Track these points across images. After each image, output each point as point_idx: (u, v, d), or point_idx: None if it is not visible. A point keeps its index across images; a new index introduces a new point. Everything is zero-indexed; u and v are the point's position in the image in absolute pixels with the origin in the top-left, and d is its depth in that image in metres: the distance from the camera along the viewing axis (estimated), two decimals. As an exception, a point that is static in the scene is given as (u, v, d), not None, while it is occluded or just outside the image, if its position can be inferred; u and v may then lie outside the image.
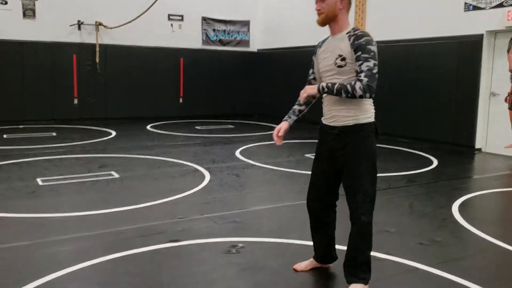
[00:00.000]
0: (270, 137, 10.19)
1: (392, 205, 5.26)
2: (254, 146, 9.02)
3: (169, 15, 13.25)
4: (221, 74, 14.02)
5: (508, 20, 8.09)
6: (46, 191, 5.52)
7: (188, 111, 13.56)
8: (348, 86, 2.86)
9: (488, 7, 8.47)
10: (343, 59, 2.96)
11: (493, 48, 8.62)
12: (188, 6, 13.43)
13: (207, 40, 13.89)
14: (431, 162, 7.66)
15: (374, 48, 2.91)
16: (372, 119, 3.06)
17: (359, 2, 11.02)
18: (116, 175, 6.35)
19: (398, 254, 3.79)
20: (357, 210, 3.01)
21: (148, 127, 11.47)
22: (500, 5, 8.26)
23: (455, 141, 9.08)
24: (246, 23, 14.46)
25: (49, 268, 3.41)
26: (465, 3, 8.83)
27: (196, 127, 11.55)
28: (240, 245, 3.93)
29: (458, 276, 3.41)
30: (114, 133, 10.22)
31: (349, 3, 3.08)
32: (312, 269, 3.46)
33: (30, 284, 3.17)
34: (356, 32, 2.97)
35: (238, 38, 14.40)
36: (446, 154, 8.43)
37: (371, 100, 3.07)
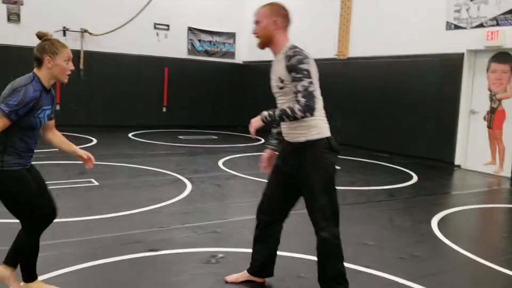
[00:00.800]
0: (253, 148, 10.22)
1: (372, 219, 5.30)
2: (237, 157, 9.02)
3: (155, 24, 13.25)
4: (206, 84, 14.03)
5: (488, 40, 8.28)
6: (24, 197, 5.42)
7: (171, 120, 13.52)
8: (288, 110, 2.90)
9: (469, 27, 8.66)
10: (282, 81, 3.01)
11: (473, 67, 8.81)
12: (174, 16, 13.46)
13: (192, 50, 13.91)
14: (411, 177, 7.75)
15: (306, 66, 2.92)
16: (324, 135, 3.04)
17: (344, 18, 11.18)
18: (96, 183, 6.28)
19: (377, 268, 3.82)
20: (316, 226, 3.00)
21: (130, 135, 11.40)
22: (481, 25, 8.46)
23: (435, 157, 9.21)
24: (232, 35, 14.53)
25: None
26: (447, 22, 9.03)
27: (179, 137, 11.52)
28: (220, 255, 3.91)
29: (435, 290, 3.45)
30: (95, 141, 10.13)
31: (286, 22, 3.12)
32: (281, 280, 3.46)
33: (4, 290, 3.10)
34: (289, 52, 2.99)
35: (224, 50, 14.46)
36: (426, 170, 8.54)
37: (321, 116, 3.09)
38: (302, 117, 2.88)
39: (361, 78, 10.74)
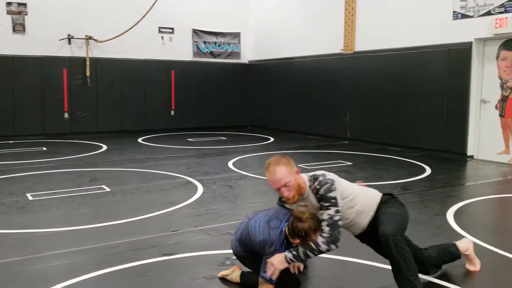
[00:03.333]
0: (262, 148, 10.17)
1: (387, 214, 5.22)
2: (247, 157, 8.98)
3: (159, 27, 13.25)
4: (213, 86, 14.02)
5: (496, 27, 8.16)
6: (36, 206, 5.43)
7: (179, 123, 13.52)
8: (313, 245, 2.94)
9: (476, 15, 8.55)
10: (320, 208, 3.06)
11: (482, 55, 8.68)
12: (178, 19, 13.45)
13: (198, 52, 13.90)
14: (424, 170, 7.66)
15: (333, 193, 2.99)
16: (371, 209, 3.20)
17: (349, 12, 11.09)
18: (108, 189, 6.27)
19: (394, 263, 3.75)
20: None
21: (140, 140, 11.40)
22: (488, 13, 8.34)
23: (447, 148, 9.10)
24: (236, 35, 14.50)
25: (40, 284, 3.33)
26: (454, 12, 8.91)
27: (188, 139, 11.50)
28: (234, 257, 3.86)
29: (455, 283, 3.38)
30: (105, 147, 10.14)
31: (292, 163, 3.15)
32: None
33: (19, 301, 3.09)
34: (315, 185, 3.03)
35: (229, 50, 14.43)
36: (439, 162, 8.44)
37: (361, 202, 3.18)
38: (328, 250, 2.94)
39: (368, 71, 10.66)
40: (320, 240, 2.90)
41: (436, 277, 3.48)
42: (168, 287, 3.35)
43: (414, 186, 6.54)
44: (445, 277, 3.49)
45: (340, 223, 2.95)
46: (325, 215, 2.93)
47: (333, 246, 2.92)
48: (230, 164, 8.16)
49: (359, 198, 3.15)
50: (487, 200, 5.93)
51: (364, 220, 3.15)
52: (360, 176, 7.18)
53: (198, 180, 6.78)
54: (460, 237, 4.44)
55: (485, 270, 3.77)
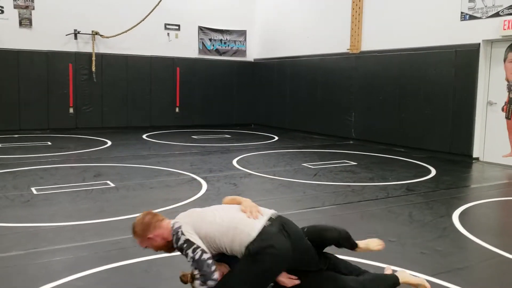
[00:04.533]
0: (267, 147, 10.14)
1: (392, 215, 5.20)
2: (251, 155, 8.96)
3: (165, 24, 13.24)
4: (218, 83, 14.00)
5: (505, 29, 8.11)
6: (41, 200, 5.43)
7: (184, 120, 13.51)
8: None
9: (484, 17, 8.49)
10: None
11: (489, 57, 8.63)
12: (184, 16, 13.44)
13: (203, 49, 13.88)
14: (429, 171, 7.62)
15: (182, 238, 2.82)
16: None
17: (356, 12, 11.05)
18: (112, 184, 6.26)
19: (400, 264, 3.72)
20: None
21: (144, 136, 11.40)
22: (497, 15, 8.29)
23: (453, 150, 9.05)
24: (243, 33, 14.47)
25: (43, 279, 3.33)
26: (462, 13, 8.86)
27: (193, 137, 11.49)
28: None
29: (462, 286, 3.35)
30: (109, 142, 10.14)
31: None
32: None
33: (23, 295, 3.09)
34: (173, 242, 2.91)
35: (235, 48, 14.40)
36: (444, 164, 8.40)
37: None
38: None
39: (375, 72, 10.62)
40: (197, 284, 2.79)
41: (441, 279, 3.45)
42: (170, 283, 3.34)
43: (419, 187, 6.51)
44: (450, 279, 3.46)
45: (204, 256, 2.77)
46: (189, 259, 2.82)
47: (210, 283, 2.75)
48: (234, 162, 8.14)
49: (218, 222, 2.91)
50: (493, 202, 5.90)
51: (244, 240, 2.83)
52: (365, 176, 7.15)
53: (202, 178, 6.77)
54: (466, 239, 4.41)
55: (491, 273, 3.75)
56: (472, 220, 5.21)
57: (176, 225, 2.88)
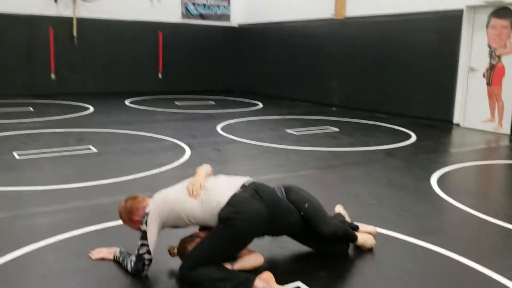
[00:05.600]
0: (251, 113, 10.14)
1: (372, 178, 5.30)
2: (236, 122, 8.97)
3: (147, -12, 12.95)
4: (201, 49, 13.84)
5: (488, -5, 8.11)
6: (23, 165, 5.41)
7: (167, 86, 13.39)
8: (129, 261, 2.97)
9: (468, -18, 8.47)
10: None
11: (472, 23, 8.66)
12: (167, -21, 13.14)
13: (187, 14, 13.65)
14: (409, 137, 7.74)
15: (143, 226, 2.90)
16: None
17: (341, -24, 10.91)
18: (95, 150, 6.25)
19: (378, 225, 3.82)
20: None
21: (127, 102, 11.30)
22: (481, -20, 8.27)
23: (434, 116, 9.18)
24: (226, -3, 14.23)
25: (28, 240, 3.36)
26: (446, -22, 8.82)
27: (176, 103, 11.42)
28: (221, 217, 3.91)
29: (437, 245, 3.47)
30: (92, 108, 10.05)
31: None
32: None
33: (8, 255, 3.12)
34: None
35: (219, 12, 14.19)
36: (425, 129, 8.52)
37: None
38: (133, 272, 2.92)
39: (358, 38, 10.59)
40: (130, 264, 2.93)
41: (418, 239, 3.56)
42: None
43: (399, 152, 6.62)
44: (428, 239, 3.58)
45: (145, 256, 2.85)
46: (138, 244, 2.90)
47: (136, 273, 2.90)
48: (218, 128, 8.15)
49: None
50: (471, 166, 6.04)
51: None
52: (346, 141, 7.23)
53: (186, 143, 6.78)
54: (444, 202, 4.54)
55: (466, 233, 3.88)
56: (451, 183, 5.34)
57: (146, 210, 2.93)
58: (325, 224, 3.12)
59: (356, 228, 3.38)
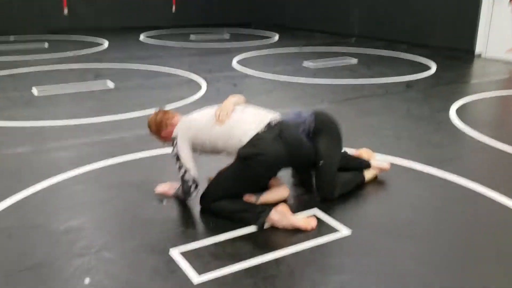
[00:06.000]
0: (267, 46, 9.97)
1: (390, 110, 5.26)
2: (251, 55, 8.84)
3: None
4: (215, -20, 13.41)
5: None
6: (43, 101, 5.48)
7: (181, 20, 13.14)
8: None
9: None
10: None
11: None
12: None
13: None
14: (429, 68, 7.58)
15: (175, 150, 2.93)
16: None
17: None
18: (112, 85, 6.28)
19: (395, 155, 3.86)
20: None
21: (141, 36, 11.18)
22: None
23: (455, 46, 8.92)
24: None
25: (51, 172, 3.47)
26: None
27: (191, 37, 11.25)
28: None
29: (453, 174, 3.49)
30: (107, 43, 9.98)
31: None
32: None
33: (33, 187, 3.24)
34: None
35: None
36: (445, 60, 8.31)
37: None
38: (186, 194, 2.96)
39: None
40: (178, 191, 3.00)
41: (436, 169, 3.59)
42: (174, 176, 3.48)
43: (419, 84, 6.51)
44: (444, 168, 3.60)
45: (186, 176, 2.87)
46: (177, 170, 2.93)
47: (186, 196, 2.94)
48: (234, 62, 8.07)
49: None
50: (491, 97, 5.93)
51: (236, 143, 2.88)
52: (365, 73, 7.12)
53: (202, 78, 6.75)
54: (462, 132, 4.51)
55: (483, 162, 3.89)
56: (470, 114, 5.28)
57: (175, 134, 2.96)
58: (328, 188, 3.08)
59: (368, 166, 3.39)
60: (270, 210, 2.75)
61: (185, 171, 2.87)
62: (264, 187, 3.06)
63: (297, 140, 2.99)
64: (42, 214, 2.89)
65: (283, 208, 2.77)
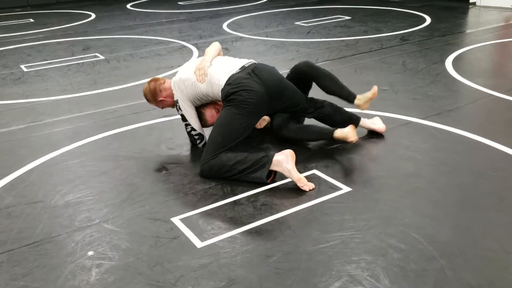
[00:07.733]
0: (258, 7, 9.77)
1: (385, 65, 5.19)
2: (242, 18, 8.67)
3: None
4: None
5: None
6: (33, 77, 5.39)
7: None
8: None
9: None
10: None
11: None
12: None
13: None
14: (424, 20, 7.44)
15: (180, 112, 3.30)
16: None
17: None
18: (102, 57, 6.17)
19: (392, 110, 3.82)
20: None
21: (128, 6, 10.92)
22: None
23: (449, -4, 8.75)
24: None
25: (47, 148, 3.43)
26: None
27: (179, 3, 11.01)
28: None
29: (451, 125, 3.47)
30: (93, 15, 9.76)
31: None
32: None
33: (30, 164, 3.21)
34: None
35: None
36: (439, 11, 8.16)
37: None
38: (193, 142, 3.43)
39: None
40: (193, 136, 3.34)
41: (432, 120, 3.56)
42: (173, 142, 3.46)
43: (414, 36, 6.40)
44: (441, 120, 3.57)
45: (193, 132, 3.30)
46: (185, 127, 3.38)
47: (194, 144, 3.38)
48: (224, 26, 7.91)
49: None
50: (487, 46, 5.85)
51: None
52: (359, 29, 7.00)
53: (192, 44, 6.63)
54: (458, 83, 4.46)
55: (480, 112, 3.85)
56: (465, 64, 5.21)
57: (175, 97, 3.25)
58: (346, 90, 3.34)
59: (356, 122, 3.34)
60: (273, 154, 2.79)
61: (191, 129, 3.29)
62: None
63: (272, 75, 3.12)
64: (40, 190, 2.87)
65: (287, 152, 2.77)
